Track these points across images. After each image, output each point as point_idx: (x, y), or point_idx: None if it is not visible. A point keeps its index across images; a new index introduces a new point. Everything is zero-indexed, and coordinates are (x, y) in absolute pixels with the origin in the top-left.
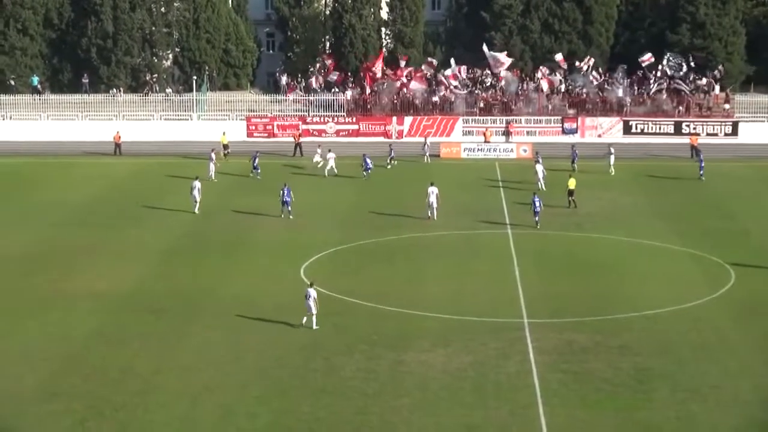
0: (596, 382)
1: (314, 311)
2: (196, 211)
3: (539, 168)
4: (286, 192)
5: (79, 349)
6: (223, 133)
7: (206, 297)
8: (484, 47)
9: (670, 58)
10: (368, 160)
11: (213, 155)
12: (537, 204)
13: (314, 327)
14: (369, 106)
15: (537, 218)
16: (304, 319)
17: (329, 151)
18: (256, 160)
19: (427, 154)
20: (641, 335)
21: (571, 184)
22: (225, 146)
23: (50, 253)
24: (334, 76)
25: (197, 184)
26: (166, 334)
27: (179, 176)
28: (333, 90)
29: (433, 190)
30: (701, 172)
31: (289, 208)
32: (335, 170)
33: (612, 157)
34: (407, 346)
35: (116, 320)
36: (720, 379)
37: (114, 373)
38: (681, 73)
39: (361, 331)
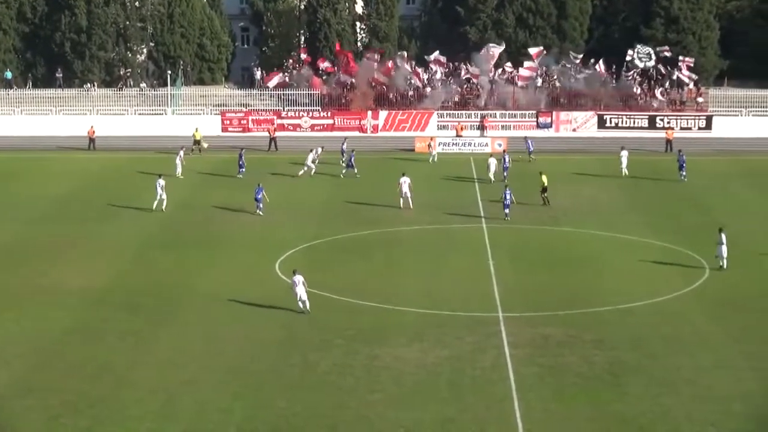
0: (571, 376)
1: (304, 297)
2: (162, 208)
3: (492, 161)
4: (257, 190)
5: (54, 344)
6: (196, 129)
7: (182, 293)
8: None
9: (639, 50)
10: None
11: (182, 153)
12: (508, 197)
13: (308, 310)
14: (345, 99)
15: (507, 210)
16: (300, 305)
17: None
18: (242, 158)
19: (434, 153)
20: (616, 329)
21: (544, 180)
22: (197, 142)
23: (25, 249)
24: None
25: (161, 182)
26: (142, 329)
27: (154, 172)
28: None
29: (405, 180)
30: (683, 172)
31: (260, 205)
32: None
33: (624, 159)
34: (383, 340)
35: (92, 316)
36: (694, 373)
37: (90, 369)
38: (650, 63)
39: (337, 326)
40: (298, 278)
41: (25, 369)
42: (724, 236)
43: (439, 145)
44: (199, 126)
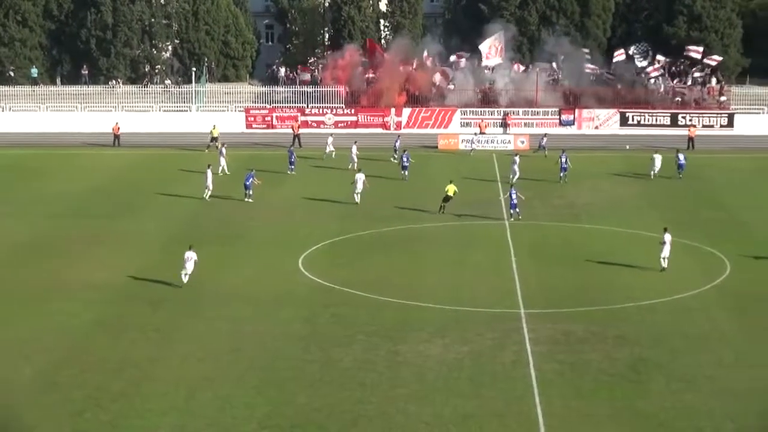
0: (592, 373)
1: (190, 271)
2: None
3: (515, 159)
4: (247, 176)
5: (78, 339)
6: (214, 126)
7: (204, 288)
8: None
9: (635, 49)
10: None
11: (224, 150)
12: (513, 197)
13: (183, 283)
14: (371, 91)
15: (515, 210)
16: (182, 277)
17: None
18: (293, 156)
19: (473, 147)
20: (637, 326)
21: (450, 190)
22: (214, 138)
23: (49, 244)
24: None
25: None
26: (164, 324)
27: (178, 168)
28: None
29: (359, 177)
30: (680, 171)
31: (250, 192)
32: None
33: (657, 167)
34: (404, 336)
35: (115, 311)
36: (715, 369)
37: (112, 364)
38: (646, 61)
39: (359, 322)
40: (191, 254)
41: (49, 363)
42: (668, 236)
43: (462, 142)
44: (218, 123)
